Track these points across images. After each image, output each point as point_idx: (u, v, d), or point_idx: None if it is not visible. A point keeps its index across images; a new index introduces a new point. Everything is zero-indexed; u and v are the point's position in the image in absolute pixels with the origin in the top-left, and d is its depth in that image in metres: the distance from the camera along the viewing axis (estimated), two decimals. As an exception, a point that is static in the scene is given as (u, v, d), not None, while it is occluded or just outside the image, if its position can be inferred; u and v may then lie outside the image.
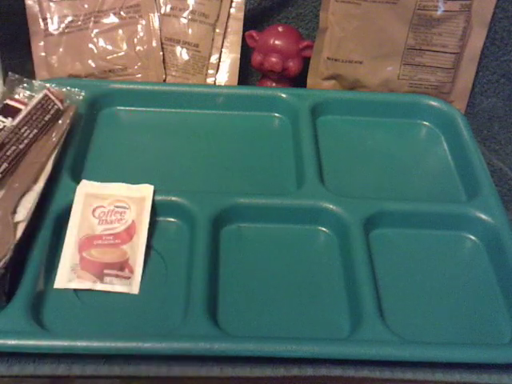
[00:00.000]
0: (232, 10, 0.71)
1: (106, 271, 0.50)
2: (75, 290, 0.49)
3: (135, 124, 0.66)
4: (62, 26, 0.69)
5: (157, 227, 0.55)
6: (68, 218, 0.53)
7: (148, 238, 0.53)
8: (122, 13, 0.69)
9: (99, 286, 0.49)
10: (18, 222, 0.49)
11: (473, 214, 0.56)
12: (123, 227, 0.53)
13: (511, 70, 0.73)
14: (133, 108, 0.67)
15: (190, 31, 0.70)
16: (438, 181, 0.62)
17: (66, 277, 0.50)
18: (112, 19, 0.69)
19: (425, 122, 0.68)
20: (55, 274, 0.50)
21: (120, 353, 0.45)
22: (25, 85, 0.60)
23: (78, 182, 0.55)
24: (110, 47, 0.69)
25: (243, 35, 0.71)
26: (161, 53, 0.69)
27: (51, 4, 0.69)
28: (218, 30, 0.70)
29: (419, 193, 0.60)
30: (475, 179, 0.59)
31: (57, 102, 0.58)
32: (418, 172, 0.63)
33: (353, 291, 0.50)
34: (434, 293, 0.52)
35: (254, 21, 0.75)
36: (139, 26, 0.69)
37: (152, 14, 0.69)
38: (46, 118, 0.56)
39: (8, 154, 0.52)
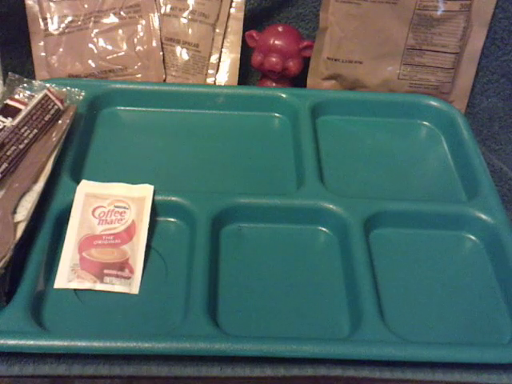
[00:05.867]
0: (232, 10, 0.71)
1: (106, 271, 0.50)
2: (75, 290, 0.49)
3: (135, 124, 0.66)
4: (62, 25, 0.69)
5: (157, 227, 0.55)
6: (68, 218, 0.53)
7: (148, 238, 0.53)
8: (122, 13, 0.69)
9: (99, 286, 0.49)
10: (18, 222, 0.49)
11: (473, 214, 0.56)
12: (123, 227, 0.53)
13: (511, 69, 0.73)
14: (133, 108, 0.67)
15: (190, 31, 0.70)
16: (438, 181, 0.62)
17: (66, 277, 0.50)
18: (112, 19, 0.69)
19: (425, 122, 0.68)
20: (55, 274, 0.50)
21: (120, 353, 0.45)
22: (25, 85, 0.60)
23: (78, 182, 0.55)
24: (110, 47, 0.69)
25: (243, 35, 0.71)
26: (161, 53, 0.69)
27: (51, 4, 0.69)
28: (218, 30, 0.70)
29: (419, 193, 0.60)
30: (475, 179, 0.59)
31: (57, 102, 0.58)
32: (418, 172, 0.63)
33: (353, 291, 0.50)
34: (434, 293, 0.52)
35: (254, 21, 0.75)
36: (139, 26, 0.69)
37: (152, 14, 0.69)
38: (46, 118, 0.56)
39: (8, 154, 0.52)
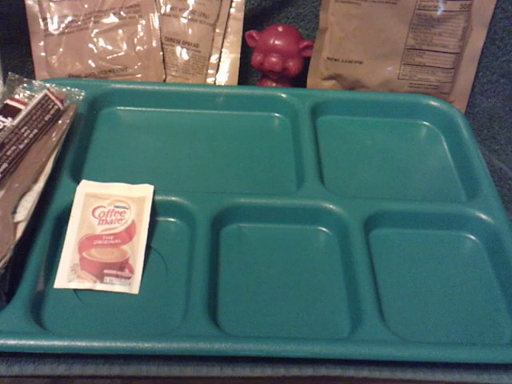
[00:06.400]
0: (232, 10, 0.71)
1: (105, 271, 0.50)
2: (75, 290, 0.49)
3: (135, 124, 0.66)
4: (62, 26, 0.69)
5: (157, 227, 0.55)
6: (68, 218, 0.53)
7: (148, 238, 0.53)
8: (121, 13, 0.69)
9: (99, 286, 0.49)
10: (18, 222, 0.49)
11: (473, 214, 0.56)
12: (123, 227, 0.53)
13: (511, 69, 0.73)
14: (133, 108, 0.67)
15: (190, 31, 0.70)
16: (438, 181, 0.62)
17: (66, 277, 0.50)
18: (112, 19, 0.69)
19: (425, 122, 0.68)
20: (55, 274, 0.50)
21: (120, 353, 0.45)
22: (25, 85, 0.60)
23: (78, 182, 0.55)
24: (110, 47, 0.69)
25: (243, 35, 0.71)
26: (161, 53, 0.69)
27: (51, 4, 0.69)
28: (218, 30, 0.70)
29: (419, 193, 0.60)
30: (475, 179, 0.59)
31: (57, 102, 0.58)
32: (417, 172, 0.63)
33: (353, 291, 0.50)
34: (434, 293, 0.52)
35: (254, 21, 0.75)
36: (139, 26, 0.69)
37: (152, 14, 0.69)
38: (46, 118, 0.56)
39: (8, 153, 0.52)
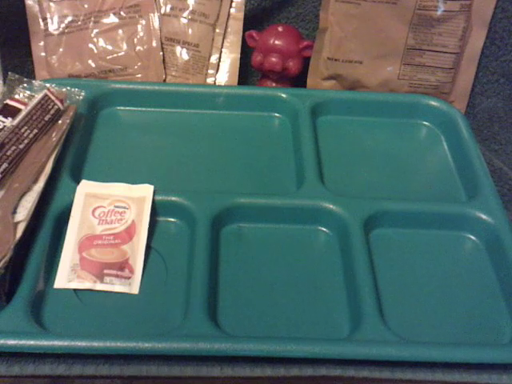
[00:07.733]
0: (232, 10, 0.71)
1: (105, 271, 0.50)
2: (75, 290, 0.49)
3: (135, 124, 0.66)
4: (62, 26, 0.69)
5: (157, 227, 0.55)
6: (68, 218, 0.53)
7: (148, 238, 0.53)
8: (121, 13, 0.69)
9: (99, 286, 0.49)
10: (18, 222, 0.49)
11: (473, 214, 0.56)
12: (123, 227, 0.53)
13: (511, 69, 0.73)
14: (133, 108, 0.67)
15: (190, 31, 0.70)
16: (438, 181, 0.62)
17: (66, 277, 0.50)
18: (112, 19, 0.69)
19: (425, 122, 0.68)
20: (55, 274, 0.50)
21: (120, 353, 0.45)
22: (25, 85, 0.60)
23: (78, 182, 0.55)
24: (110, 47, 0.69)
25: (243, 35, 0.71)
26: (161, 53, 0.69)
27: (51, 4, 0.69)
28: (218, 30, 0.70)
29: (419, 193, 0.60)
30: (475, 179, 0.59)
31: (57, 102, 0.58)
32: (418, 172, 0.63)
33: (353, 291, 0.50)
34: (434, 293, 0.52)
35: (254, 21, 0.75)
36: (139, 26, 0.69)
37: (152, 14, 0.69)
38: (46, 118, 0.56)
39: (8, 154, 0.52)
